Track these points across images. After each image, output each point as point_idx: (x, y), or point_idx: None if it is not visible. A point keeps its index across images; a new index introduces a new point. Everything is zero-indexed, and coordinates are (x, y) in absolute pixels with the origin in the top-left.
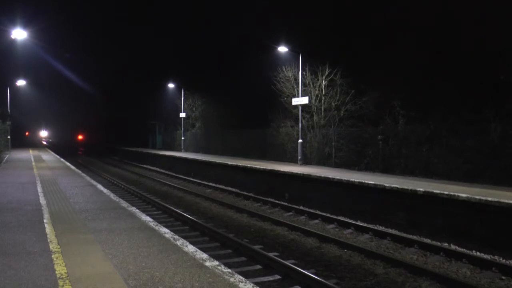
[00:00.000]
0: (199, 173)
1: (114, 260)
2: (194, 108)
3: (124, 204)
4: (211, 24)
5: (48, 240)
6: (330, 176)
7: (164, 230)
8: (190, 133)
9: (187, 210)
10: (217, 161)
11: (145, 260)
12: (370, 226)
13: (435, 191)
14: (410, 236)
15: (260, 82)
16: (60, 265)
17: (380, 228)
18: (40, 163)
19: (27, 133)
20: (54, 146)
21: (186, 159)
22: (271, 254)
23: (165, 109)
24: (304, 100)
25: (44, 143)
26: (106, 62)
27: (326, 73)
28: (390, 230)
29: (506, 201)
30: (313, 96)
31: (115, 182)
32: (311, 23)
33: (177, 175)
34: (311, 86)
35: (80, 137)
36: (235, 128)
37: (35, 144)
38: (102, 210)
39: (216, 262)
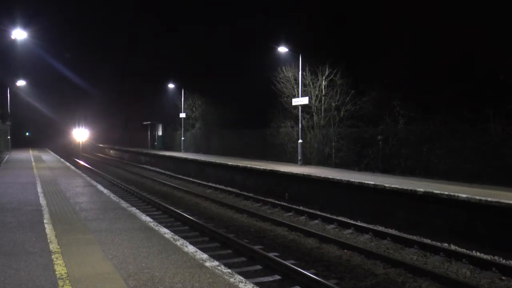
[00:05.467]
0: (199, 173)
1: (114, 260)
2: (194, 108)
3: (124, 204)
4: (211, 24)
5: (48, 240)
6: (330, 177)
7: (164, 230)
8: (190, 133)
9: (187, 210)
10: (217, 161)
11: (145, 260)
12: (370, 226)
13: (435, 191)
14: (410, 236)
15: (260, 82)
16: (60, 265)
17: (380, 228)
18: (40, 164)
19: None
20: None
21: (186, 159)
22: (271, 255)
23: (165, 109)
24: (304, 100)
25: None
26: (106, 62)
27: (326, 73)
28: (390, 230)
29: (506, 201)
30: (313, 97)
31: (115, 183)
32: (311, 23)
33: (177, 175)
34: (311, 86)
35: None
36: (235, 128)
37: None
38: (102, 210)
39: (216, 263)
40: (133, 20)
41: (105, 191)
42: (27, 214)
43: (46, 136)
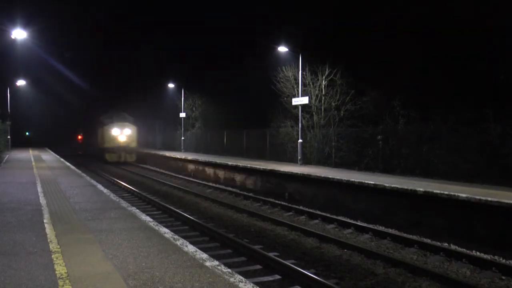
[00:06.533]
0: (199, 173)
1: (114, 260)
2: (194, 108)
3: (124, 204)
4: (211, 24)
5: (48, 240)
6: (330, 176)
7: (164, 230)
8: (190, 133)
9: (187, 210)
10: (217, 161)
11: (145, 260)
12: (370, 226)
13: (435, 191)
14: (410, 236)
15: (260, 82)
16: (60, 265)
17: (380, 228)
18: (40, 163)
19: (79, 137)
20: None
21: (186, 159)
22: (271, 254)
23: (165, 109)
24: (304, 100)
25: None
26: (106, 61)
27: (326, 73)
28: (390, 230)
29: (506, 201)
30: (313, 96)
31: (115, 182)
32: (311, 23)
33: (177, 175)
34: (311, 86)
35: (79, 137)
36: (235, 128)
37: None
38: (102, 210)
39: (216, 262)
40: (132, 20)
41: (105, 190)
42: (27, 214)
43: (48, 136)
